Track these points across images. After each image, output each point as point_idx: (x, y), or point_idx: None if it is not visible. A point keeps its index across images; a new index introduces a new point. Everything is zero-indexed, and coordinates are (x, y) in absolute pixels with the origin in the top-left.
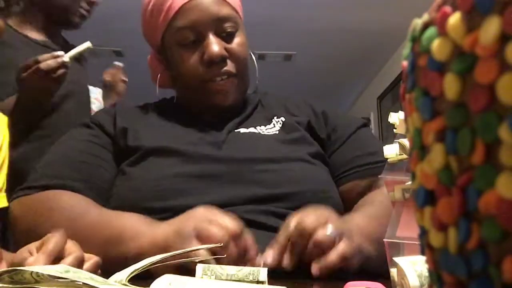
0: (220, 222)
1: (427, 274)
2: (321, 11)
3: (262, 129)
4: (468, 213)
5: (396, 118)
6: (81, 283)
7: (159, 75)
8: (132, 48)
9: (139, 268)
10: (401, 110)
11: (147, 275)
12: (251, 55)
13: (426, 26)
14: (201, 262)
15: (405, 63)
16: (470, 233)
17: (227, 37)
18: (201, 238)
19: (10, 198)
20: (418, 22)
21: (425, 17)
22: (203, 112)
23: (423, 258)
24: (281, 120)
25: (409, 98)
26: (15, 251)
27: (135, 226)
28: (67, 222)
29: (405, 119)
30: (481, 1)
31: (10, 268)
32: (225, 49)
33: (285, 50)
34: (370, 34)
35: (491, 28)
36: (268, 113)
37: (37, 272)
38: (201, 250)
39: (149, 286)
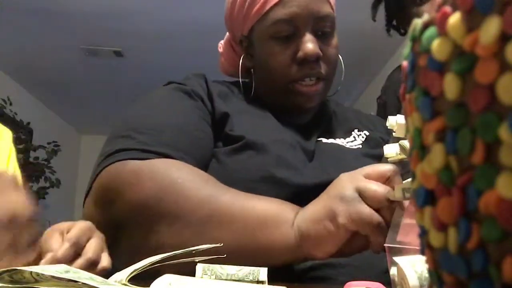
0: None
1: (427, 274)
2: None
3: (343, 142)
4: (468, 213)
5: (394, 121)
6: (80, 283)
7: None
8: (132, 48)
9: (139, 268)
10: (401, 111)
11: (147, 275)
12: (340, 58)
13: (426, 26)
14: (201, 262)
15: (405, 63)
16: (470, 233)
17: (322, 37)
18: (366, 197)
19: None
20: (418, 22)
21: (425, 17)
22: (283, 110)
23: (423, 258)
24: (364, 134)
25: (409, 98)
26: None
27: (281, 208)
28: (198, 203)
29: (405, 119)
30: (481, 1)
31: (9, 268)
32: (320, 49)
33: None
34: (370, 34)
35: (491, 28)
36: (346, 125)
37: (36, 272)
38: None
39: (149, 286)
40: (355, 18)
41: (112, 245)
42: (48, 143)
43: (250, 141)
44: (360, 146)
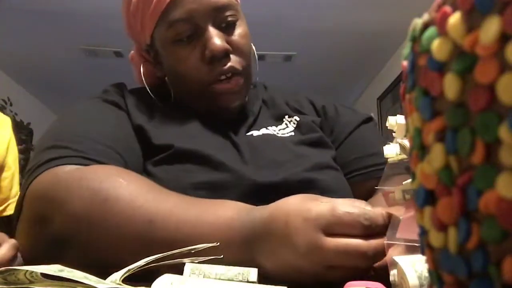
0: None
1: (427, 274)
2: (321, 12)
3: (275, 130)
4: (468, 213)
5: (393, 121)
6: (75, 282)
7: (141, 75)
8: (132, 48)
9: (133, 268)
10: (401, 111)
11: (147, 275)
12: (252, 47)
13: (426, 26)
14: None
15: (405, 63)
16: (470, 233)
17: (227, 28)
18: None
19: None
20: (418, 22)
21: (425, 17)
22: (208, 113)
23: (423, 258)
24: (295, 120)
25: (409, 98)
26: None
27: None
28: (130, 224)
29: (405, 119)
30: (481, 1)
31: (3, 268)
32: (227, 42)
33: (285, 50)
34: (370, 35)
35: (491, 28)
36: (277, 111)
37: (31, 273)
38: None
39: (148, 286)
40: (356, 18)
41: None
42: None
43: (178, 150)
44: (292, 133)
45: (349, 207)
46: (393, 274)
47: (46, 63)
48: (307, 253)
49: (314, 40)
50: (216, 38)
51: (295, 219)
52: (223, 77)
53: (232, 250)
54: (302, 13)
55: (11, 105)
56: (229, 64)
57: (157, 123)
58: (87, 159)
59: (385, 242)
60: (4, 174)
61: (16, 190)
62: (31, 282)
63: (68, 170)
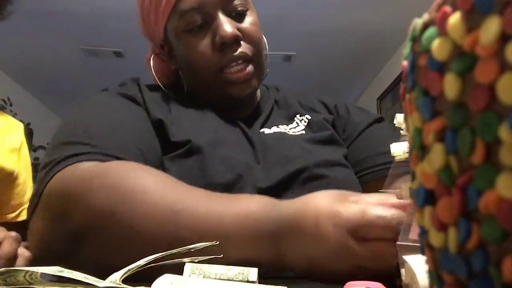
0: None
1: None
2: (321, 12)
3: (286, 128)
4: (468, 213)
5: (401, 119)
6: (75, 282)
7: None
8: (132, 48)
9: (133, 268)
10: (401, 111)
11: (147, 275)
12: (263, 37)
13: (426, 26)
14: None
15: (405, 62)
16: (470, 233)
17: (237, 17)
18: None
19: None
20: (418, 21)
21: (425, 17)
22: (221, 105)
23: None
24: (306, 118)
25: (409, 98)
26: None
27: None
28: (157, 219)
29: (405, 119)
30: (481, 1)
31: (2, 269)
32: (238, 29)
33: (285, 50)
34: (370, 35)
35: (491, 28)
36: (289, 111)
37: (30, 274)
38: None
39: (148, 286)
40: (355, 19)
41: (72, 259)
42: (48, 144)
43: (195, 145)
44: (303, 131)
45: (380, 210)
46: (401, 274)
47: (46, 63)
48: (338, 257)
49: (314, 40)
50: (226, 25)
51: (325, 223)
52: (233, 63)
53: (258, 243)
54: (302, 13)
55: (11, 105)
56: (239, 50)
57: (174, 117)
58: (106, 156)
59: (397, 243)
60: (17, 181)
61: (29, 195)
62: (30, 284)
63: (87, 166)
